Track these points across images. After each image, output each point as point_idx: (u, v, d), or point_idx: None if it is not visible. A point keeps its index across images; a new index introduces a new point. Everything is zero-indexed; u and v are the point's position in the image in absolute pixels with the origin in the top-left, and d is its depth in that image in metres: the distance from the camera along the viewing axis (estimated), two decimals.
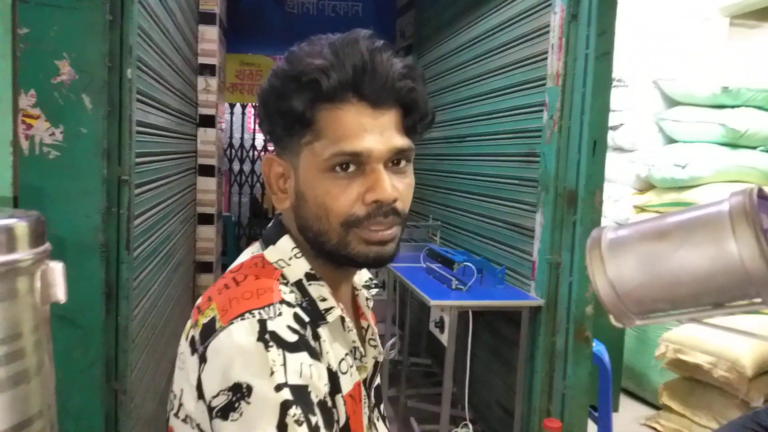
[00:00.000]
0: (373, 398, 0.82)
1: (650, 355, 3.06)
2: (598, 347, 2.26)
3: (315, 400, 0.60)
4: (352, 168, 0.67)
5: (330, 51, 0.66)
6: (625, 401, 3.23)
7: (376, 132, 0.67)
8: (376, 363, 0.81)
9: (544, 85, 2.18)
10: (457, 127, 3.07)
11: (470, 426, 2.15)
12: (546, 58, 2.16)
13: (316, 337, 0.66)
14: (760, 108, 3.25)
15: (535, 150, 2.23)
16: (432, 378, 3.31)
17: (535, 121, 2.24)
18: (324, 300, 0.71)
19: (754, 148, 3.28)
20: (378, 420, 0.84)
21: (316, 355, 0.63)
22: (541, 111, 2.18)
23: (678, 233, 0.49)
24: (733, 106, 3.27)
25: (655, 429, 2.94)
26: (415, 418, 2.78)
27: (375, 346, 0.80)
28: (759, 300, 0.47)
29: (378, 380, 0.84)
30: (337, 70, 0.65)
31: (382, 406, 0.86)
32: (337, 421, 0.67)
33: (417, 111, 0.71)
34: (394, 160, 0.70)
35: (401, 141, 0.69)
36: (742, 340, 2.65)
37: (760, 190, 0.48)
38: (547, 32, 2.16)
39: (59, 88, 1.38)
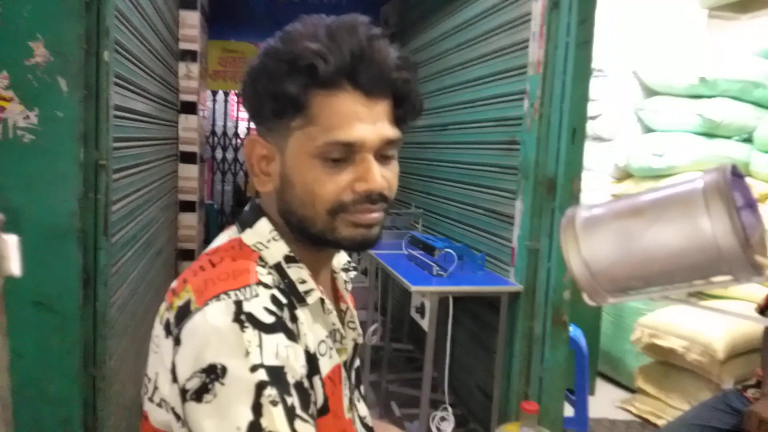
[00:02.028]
0: (353, 380, 0.82)
1: (626, 340, 3.12)
2: (575, 332, 2.30)
3: (291, 381, 0.60)
4: (342, 156, 0.67)
5: (326, 34, 0.65)
6: (601, 384, 3.29)
7: (368, 122, 0.67)
8: (356, 345, 0.82)
9: (525, 73, 2.19)
10: (440, 116, 3.08)
11: (449, 409, 2.18)
12: (527, 47, 2.17)
13: (294, 318, 0.66)
14: (735, 98, 3.30)
15: (516, 138, 2.25)
16: (413, 363, 3.34)
17: (515, 109, 2.26)
18: (303, 282, 0.71)
19: (730, 137, 3.34)
20: (359, 401, 0.84)
21: (293, 336, 0.63)
22: (522, 99, 2.19)
23: (652, 210, 0.49)
24: (709, 97, 3.32)
25: (630, 412, 3.01)
26: (396, 403, 2.80)
27: (354, 329, 0.81)
28: (731, 277, 0.48)
29: (357, 362, 0.85)
30: (334, 56, 0.64)
31: (362, 388, 0.87)
32: (315, 403, 0.67)
33: (409, 102, 0.71)
34: (384, 149, 0.70)
35: (392, 132, 0.69)
36: (715, 324, 2.72)
37: (734, 168, 0.48)
38: (529, 20, 2.16)
39: (34, 70, 1.35)
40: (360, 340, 0.82)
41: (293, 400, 0.59)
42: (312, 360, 0.68)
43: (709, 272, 0.48)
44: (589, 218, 0.53)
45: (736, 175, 0.48)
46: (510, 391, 2.20)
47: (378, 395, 2.93)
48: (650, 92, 3.61)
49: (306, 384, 0.63)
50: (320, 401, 0.68)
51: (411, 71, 0.70)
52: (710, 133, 3.32)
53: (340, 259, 0.86)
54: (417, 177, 3.41)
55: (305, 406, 0.60)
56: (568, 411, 2.31)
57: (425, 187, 3.27)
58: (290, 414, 0.57)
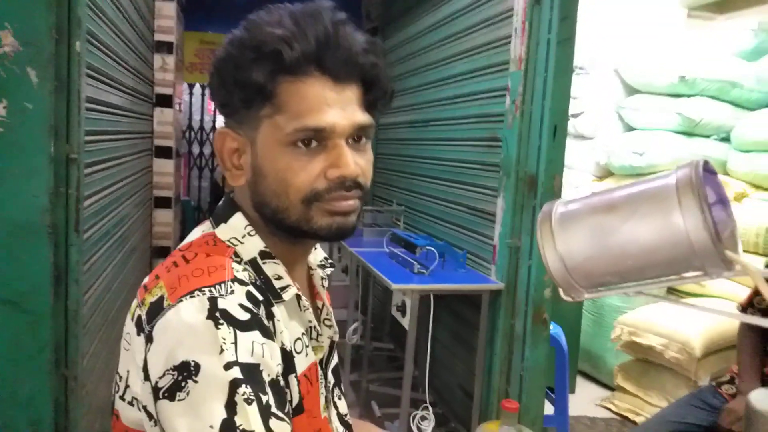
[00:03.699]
0: (331, 378, 0.81)
1: (606, 338, 3.15)
2: (555, 330, 2.30)
3: (267, 378, 0.58)
4: (313, 143, 0.65)
5: (291, 21, 0.64)
6: (581, 383, 3.32)
7: (338, 107, 0.65)
8: (332, 343, 0.81)
9: (507, 69, 2.18)
10: (422, 112, 3.07)
11: (430, 408, 2.17)
12: (509, 43, 2.16)
13: (270, 316, 0.65)
14: (714, 98, 3.34)
15: (497, 135, 2.24)
16: (395, 362, 3.33)
17: (497, 106, 2.25)
18: (279, 278, 0.69)
19: (708, 136, 3.38)
20: (339, 399, 0.83)
21: (269, 334, 0.62)
22: (504, 96, 2.18)
23: (626, 206, 0.49)
24: (689, 96, 3.35)
25: (609, 409, 3.04)
26: (377, 402, 2.79)
27: (330, 326, 0.80)
28: (702, 272, 0.48)
29: (335, 360, 0.84)
30: (300, 41, 0.63)
31: (342, 385, 0.86)
32: (290, 401, 0.66)
33: (379, 87, 0.70)
34: (356, 136, 0.68)
35: (363, 117, 0.68)
36: (692, 322, 2.75)
37: (706, 164, 0.48)
38: (511, 16, 2.16)
39: (2, 60, 1.30)
40: (336, 338, 0.81)
41: (268, 398, 0.57)
42: (288, 358, 0.66)
43: (681, 267, 0.49)
44: (565, 214, 0.53)
45: (709, 171, 0.48)
46: (490, 390, 2.20)
47: (359, 395, 2.91)
48: (631, 90, 3.64)
49: (282, 382, 0.62)
50: (296, 400, 0.67)
51: (379, 56, 0.69)
52: (689, 131, 3.36)
53: (317, 255, 0.85)
54: (399, 174, 3.40)
55: (281, 404, 0.59)
56: (549, 409, 2.32)
57: (407, 184, 3.26)
58: (265, 412, 0.56)
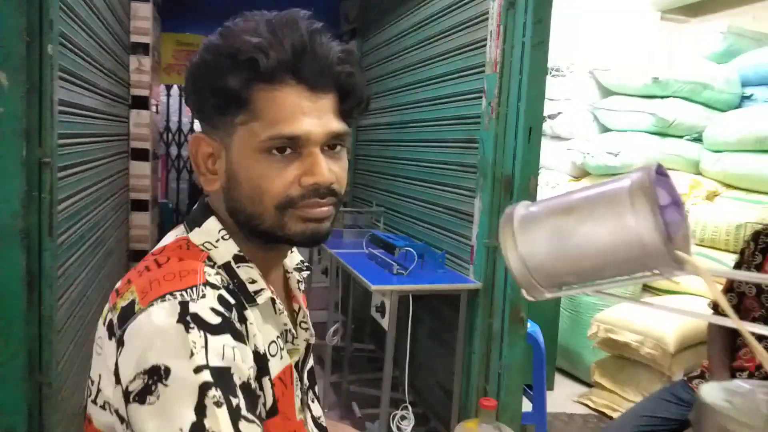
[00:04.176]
0: (306, 381, 0.82)
1: (583, 335, 3.19)
2: (533, 328, 2.33)
3: (238, 382, 0.59)
4: (288, 151, 0.66)
5: (267, 29, 0.65)
6: (559, 379, 3.36)
7: (314, 115, 0.66)
8: (308, 346, 0.81)
9: (483, 72, 2.21)
10: (401, 113, 3.08)
11: (410, 408, 2.18)
12: (485, 45, 2.19)
13: (243, 319, 0.65)
14: (686, 99, 3.41)
15: (474, 136, 2.26)
16: (375, 363, 3.34)
17: (474, 108, 2.27)
18: (253, 282, 0.70)
19: (681, 137, 3.45)
20: (313, 401, 0.84)
21: (241, 337, 0.63)
22: (480, 98, 2.21)
23: (583, 208, 0.51)
24: (662, 97, 3.42)
25: (587, 405, 3.08)
26: (357, 403, 2.79)
27: (306, 329, 0.80)
28: (656, 272, 0.49)
29: (311, 363, 0.85)
30: (276, 50, 0.64)
31: (316, 388, 0.86)
32: (264, 404, 0.67)
33: (354, 96, 0.71)
34: (330, 143, 0.69)
35: (338, 125, 0.69)
36: (667, 319, 2.80)
37: (660, 167, 0.50)
38: (486, 19, 2.18)
39: None
40: (312, 341, 0.82)
41: (238, 401, 0.58)
42: (262, 361, 0.67)
43: (636, 267, 0.50)
44: (526, 216, 0.55)
45: (662, 174, 0.50)
46: (469, 388, 2.22)
47: (339, 396, 2.92)
48: (606, 92, 3.70)
49: (254, 385, 0.63)
50: (269, 402, 0.68)
51: (354, 65, 0.70)
52: (663, 132, 3.42)
53: (293, 258, 0.86)
54: (379, 175, 3.41)
55: (252, 407, 0.60)
56: (527, 406, 2.34)
57: (387, 186, 3.27)
58: (235, 415, 0.57)
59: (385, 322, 2.16)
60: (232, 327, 0.62)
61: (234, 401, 0.57)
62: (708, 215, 3.13)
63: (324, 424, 0.85)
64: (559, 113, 3.83)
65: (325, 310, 3.05)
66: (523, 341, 2.11)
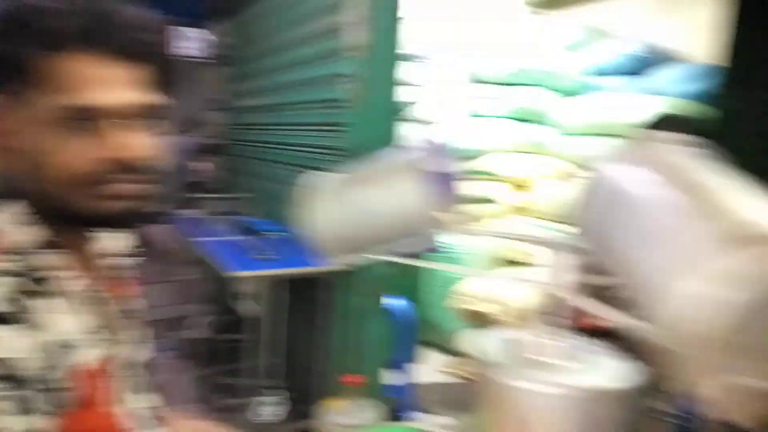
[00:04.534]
0: (133, 372, 0.79)
1: (445, 307, 3.34)
2: (396, 303, 2.41)
3: (21, 374, 0.57)
4: (85, 124, 0.62)
5: None
6: (425, 352, 3.49)
7: (111, 85, 0.63)
8: (136, 336, 0.79)
9: (346, 55, 2.22)
10: (272, 96, 3.03)
11: (278, 394, 2.19)
12: (347, 29, 2.20)
13: (38, 308, 0.62)
14: (546, 87, 3.67)
15: (340, 120, 2.28)
16: (245, 352, 3.29)
17: (339, 91, 2.29)
18: (56, 269, 0.66)
19: (540, 123, 3.71)
20: (138, 393, 0.81)
21: (30, 327, 0.60)
22: (345, 81, 2.23)
23: (372, 180, 0.57)
24: (525, 85, 3.66)
25: (454, 374, 3.24)
26: (225, 394, 2.75)
27: (132, 318, 0.77)
28: (428, 232, 0.57)
29: (143, 354, 0.82)
30: (68, 15, 0.60)
31: (149, 379, 0.83)
32: (61, 396, 0.64)
33: (158, 65, 0.68)
34: (137, 115, 0.66)
35: (141, 96, 0.66)
36: (522, 289, 3.01)
37: (443, 146, 0.58)
38: (349, 3, 2.19)
39: None
40: (141, 331, 0.79)
41: (21, 393, 0.56)
42: (61, 352, 0.64)
43: (417, 231, 0.58)
44: (326, 188, 0.60)
45: (443, 153, 0.56)
46: (334, 367, 2.26)
47: (206, 388, 2.85)
48: (473, 79, 3.87)
49: (47, 377, 0.60)
50: (72, 394, 0.65)
51: (158, 33, 0.67)
52: (524, 118, 3.66)
53: (117, 244, 0.82)
54: (246, 159, 3.34)
55: (38, 399, 0.58)
56: (393, 380, 2.42)
57: (254, 169, 3.21)
58: (16, 407, 0.55)
59: (252, 309, 2.15)
60: (19, 317, 0.59)
61: (15, 393, 0.56)
62: (563, 194, 3.39)
63: (159, 415, 0.83)
64: (424, 98, 3.94)
65: (188, 303, 2.96)
66: (385, 317, 2.18)
